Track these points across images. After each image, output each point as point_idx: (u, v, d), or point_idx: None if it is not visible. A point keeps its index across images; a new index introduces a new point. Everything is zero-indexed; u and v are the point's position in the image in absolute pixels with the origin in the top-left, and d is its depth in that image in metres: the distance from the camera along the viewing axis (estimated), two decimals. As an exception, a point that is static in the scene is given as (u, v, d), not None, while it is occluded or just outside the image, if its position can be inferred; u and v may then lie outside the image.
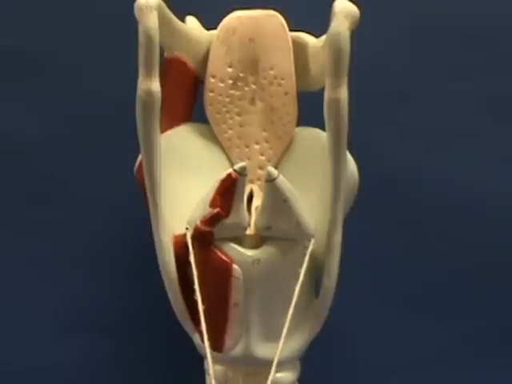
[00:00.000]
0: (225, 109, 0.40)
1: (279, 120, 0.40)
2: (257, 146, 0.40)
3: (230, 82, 0.40)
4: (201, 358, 0.39)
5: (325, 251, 0.37)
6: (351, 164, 0.38)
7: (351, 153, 0.38)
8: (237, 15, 0.40)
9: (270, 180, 0.35)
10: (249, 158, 0.40)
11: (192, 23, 0.41)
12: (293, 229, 0.36)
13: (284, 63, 0.39)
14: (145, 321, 0.46)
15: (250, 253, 0.36)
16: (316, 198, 0.37)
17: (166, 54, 0.39)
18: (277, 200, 0.35)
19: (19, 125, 0.47)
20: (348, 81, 0.34)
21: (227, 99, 0.40)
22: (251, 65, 0.40)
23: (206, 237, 0.36)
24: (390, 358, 0.46)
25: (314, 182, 0.38)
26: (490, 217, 0.46)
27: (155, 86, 0.35)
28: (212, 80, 0.40)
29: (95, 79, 0.46)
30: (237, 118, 0.40)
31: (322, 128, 0.36)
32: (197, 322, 0.37)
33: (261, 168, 0.40)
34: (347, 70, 0.34)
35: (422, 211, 0.46)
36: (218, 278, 0.36)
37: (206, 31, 0.41)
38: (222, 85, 0.40)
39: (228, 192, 0.35)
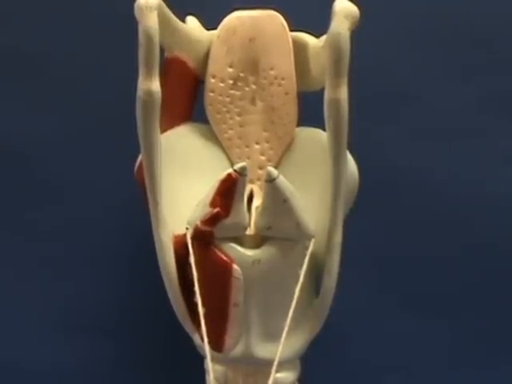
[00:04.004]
0: (225, 109, 0.40)
1: (280, 120, 0.40)
2: (257, 146, 0.40)
3: (231, 82, 0.40)
4: (201, 358, 0.39)
5: (325, 251, 0.37)
6: (351, 164, 0.38)
7: (351, 153, 0.38)
8: (237, 15, 0.40)
9: (270, 180, 0.35)
10: (249, 158, 0.40)
11: (192, 23, 0.41)
12: (293, 229, 0.36)
13: (284, 63, 0.39)
14: (145, 321, 0.46)
15: (250, 253, 0.36)
16: (316, 198, 0.37)
17: (166, 54, 0.39)
18: (277, 200, 0.35)
19: (18, 125, 0.47)
20: (348, 81, 0.34)
21: (227, 99, 0.40)
22: (251, 65, 0.40)
23: (206, 237, 0.36)
24: (390, 357, 0.46)
25: (314, 182, 0.38)
26: (492, 217, 0.46)
27: (155, 85, 0.35)
28: (212, 80, 0.40)
29: (95, 79, 0.46)
30: (237, 118, 0.40)
31: (322, 128, 0.36)
32: (197, 323, 0.37)
33: (261, 168, 0.40)
34: (347, 70, 0.34)
35: (422, 211, 0.46)
36: (218, 278, 0.36)
37: (206, 31, 0.41)
38: (222, 85, 0.40)
39: (228, 192, 0.35)
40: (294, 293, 0.36)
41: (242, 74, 0.40)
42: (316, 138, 0.39)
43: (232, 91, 0.40)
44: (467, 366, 0.46)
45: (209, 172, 0.38)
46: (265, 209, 0.36)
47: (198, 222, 0.36)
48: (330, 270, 0.37)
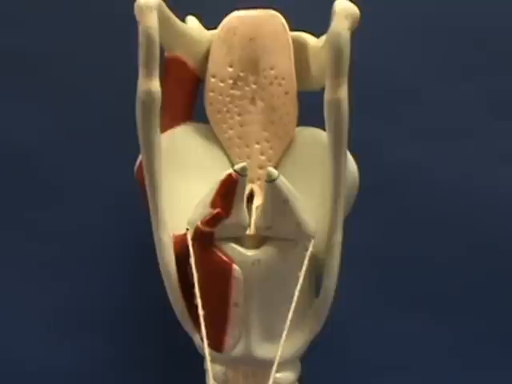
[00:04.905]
0: (225, 108, 0.40)
1: (280, 120, 0.40)
2: (257, 146, 0.40)
3: (231, 81, 0.40)
4: (201, 358, 0.39)
5: (325, 251, 0.37)
6: (351, 164, 0.38)
7: (351, 153, 0.38)
8: (237, 15, 0.40)
9: (270, 180, 0.35)
10: (249, 158, 0.40)
11: (192, 23, 0.41)
12: (293, 229, 0.36)
13: (284, 63, 0.39)
14: (145, 321, 0.46)
15: (250, 253, 0.36)
16: (316, 198, 0.37)
17: (166, 54, 0.39)
18: (277, 200, 0.35)
19: (18, 125, 0.47)
20: (348, 81, 0.34)
21: (227, 99, 0.40)
22: (251, 64, 0.40)
23: (206, 237, 0.36)
24: (390, 357, 0.46)
25: (314, 182, 0.38)
26: (492, 217, 0.46)
27: (155, 85, 0.35)
28: (212, 80, 0.40)
29: (95, 79, 0.46)
30: (237, 117, 0.40)
31: (322, 128, 0.36)
32: (197, 323, 0.36)
33: (261, 168, 0.40)
34: (347, 69, 0.34)
35: (422, 211, 0.46)
36: (218, 278, 0.36)
37: (206, 31, 0.41)
38: (222, 84, 0.40)
39: (228, 192, 0.35)
40: (293, 293, 0.36)
41: (242, 74, 0.40)
42: (316, 138, 0.39)
43: (232, 91, 0.40)
44: (467, 366, 0.46)
45: (209, 172, 0.38)
46: (265, 209, 0.36)
47: (199, 223, 0.36)
48: (330, 270, 0.37)
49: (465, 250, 0.46)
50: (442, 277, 0.46)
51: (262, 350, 0.37)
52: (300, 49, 0.39)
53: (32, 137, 0.47)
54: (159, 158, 0.36)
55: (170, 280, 0.37)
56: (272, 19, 0.39)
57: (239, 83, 0.40)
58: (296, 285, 0.36)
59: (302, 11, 0.42)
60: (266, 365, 0.36)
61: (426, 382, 0.46)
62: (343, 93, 0.34)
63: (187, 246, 0.36)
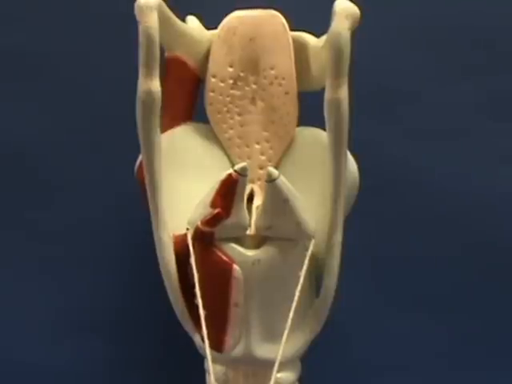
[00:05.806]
0: (225, 108, 0.40)
1: (280, 120, 0.40)
2: (257, 146, 0.40)
3: (231, 81, 0.40)
4: (201, 358, 0.39)
5: (325, 251, 0.37)
6: (351, 164, 0.38)
7: (351, 153, 0.38)
8: (237, 15, 0.40)
9: (271, 180, 0.35)
10: (249, 158, 0.40)
11: (192, 23, 0.41)
12: (293, 229, 0.36)
13: (285, 63, 0.39)
14: (145, 321, 0.46)
15: (250, 253, 0.36)
16: (316, 198, 0.37)
17: (166, 54, 0.39)
18: (277, 200, 0.35)
19: (18, 125, 0.47)
20: (348, 81, 0.35)
21: (228, 99, 0.40)
22: (252, 64, 0.40)
23: (206, 237, 0.36)
24: (390, 357, 0.46)
25: (314, 182, 0.38)
26: (490, 217, 0.46)
27: (155, 85, 0.35)
28: (213, 80, 0.40)
29: (95, 79, 0.46)
30: (237, 117, 0.40)
31: (322, 128, 0.36)
32: (197, 323, 0.36)
33: (261, 168, 0.40)
34: (347, 69, 0.34)
35: (422, 211, 0.46)
36: (219, 278, 0.36)
37: (206, 31, 0.41)
38: (222, 84, 0.40)
39: (228, 192, 0.35)
40: (294, 293, 0.36)
41: (242, 74, 0.40)
42: (316, 138, 0.39)
43: (232, 91, 0.40)
44: (467, 366, 0.46)
45: (209, 172, 0.38)
46: (265, 209, 0.36)
47: (199, 223, 0.36)
48: (331, 270, 0.37)
49: (464, 249, 0.46)
50: (442, 277, 0.46)
51: (263, 350, 0.37)
52: (300, 49, 0.39)
53: (32, 137, 0.47)
54: (159, 158, 0.36)
55: (170, 280, 0.37)
56: (272, 19, 0.39)
57: (239, 83, 0.40)
58: (296, 285, 0.36)
59: (302, 11, 0.43)
60: (266, 365, 0.36)
61: (426, 381, 0.46)
62: (343, 93, 0.34)
63: (187, 246, 0.36)
